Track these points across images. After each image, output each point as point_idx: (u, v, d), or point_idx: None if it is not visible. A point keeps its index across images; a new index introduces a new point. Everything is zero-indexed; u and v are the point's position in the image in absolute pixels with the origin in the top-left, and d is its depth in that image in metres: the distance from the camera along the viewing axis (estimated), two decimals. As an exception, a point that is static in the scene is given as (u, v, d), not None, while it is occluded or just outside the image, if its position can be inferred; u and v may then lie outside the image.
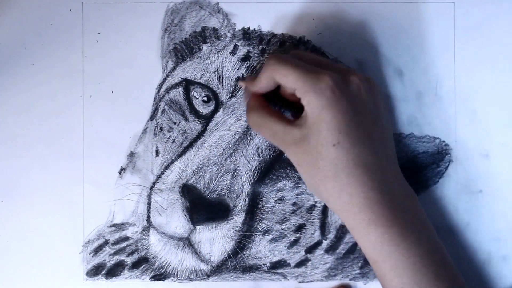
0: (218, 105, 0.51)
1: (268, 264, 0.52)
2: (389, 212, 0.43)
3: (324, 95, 0.43)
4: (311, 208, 0.51)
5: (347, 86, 0.44)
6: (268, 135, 0.47)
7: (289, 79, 0.44)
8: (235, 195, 0.50)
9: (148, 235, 0.52)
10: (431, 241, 0.45)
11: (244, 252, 0.51)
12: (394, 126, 0.52)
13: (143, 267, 0.52)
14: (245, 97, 0.50)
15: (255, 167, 0.51)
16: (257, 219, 0.51)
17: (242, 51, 0.52)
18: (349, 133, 0.43)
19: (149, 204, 0.52)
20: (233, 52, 0.52)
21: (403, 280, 0.44)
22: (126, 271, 0.52)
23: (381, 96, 0.47)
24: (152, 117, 0.52)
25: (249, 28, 0.52)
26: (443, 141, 0.51)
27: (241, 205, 0.50)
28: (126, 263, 0.52)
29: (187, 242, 0.51)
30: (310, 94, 0.43)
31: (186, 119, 0.52)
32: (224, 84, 0.51)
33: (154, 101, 0.52)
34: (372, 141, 0.44)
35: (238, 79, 0.51)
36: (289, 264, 0.52)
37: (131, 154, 0.52)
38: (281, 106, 0.47)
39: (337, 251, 0.52)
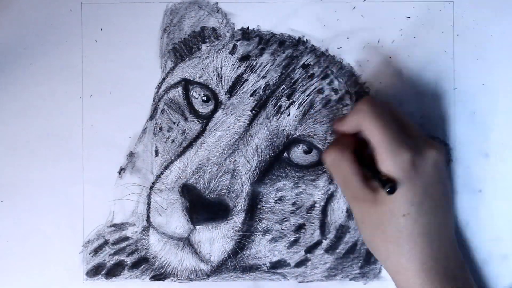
0: (218, 104, 0.51)
1: (268, 264, 0.52)
2: (441, 278, 0.45)
3: (402, 169, 0.44)
4: (311, 208, 0.51)
5: (425, 162, 0.45)
6: (339, 180, 0.48)
7: (374, 139, 0.44)
8: (234, 195, 0.50)
9: (148, 235, 0.52)
10: None
11: (244, 252, 0.51)
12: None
13: (143, 267, 0.52)
14: (335, 131, 0.50)
15: (255, 167, 0.50)
16: (257, 219, 0.51)
17: (241, 50, 0.52)
18: (420, 206, 0.45)
19: (148, 204, 0.52)
20: (232, 52, 0.52)
21: None
22: (126, 271, 0.52)
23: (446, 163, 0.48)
24: (151, 117, 0.52)
25: (248, 27, 0.52)
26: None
27: (241, 205, 0.50)
28: (126, 263, 0.52)
29: (187, 242, 0.51)
30: (389, 164, 0.44)
31: (186, 119, 0.52)
32: (223, 84, 0.51)
33: (153, 101, 0.52)
34: (438, 212, 0.46)
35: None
36: (289, 264, 0.52)
37: (131, 154, 0.52)
38: (374, 175, 0.45)
39: (337, 251, 0.52)
